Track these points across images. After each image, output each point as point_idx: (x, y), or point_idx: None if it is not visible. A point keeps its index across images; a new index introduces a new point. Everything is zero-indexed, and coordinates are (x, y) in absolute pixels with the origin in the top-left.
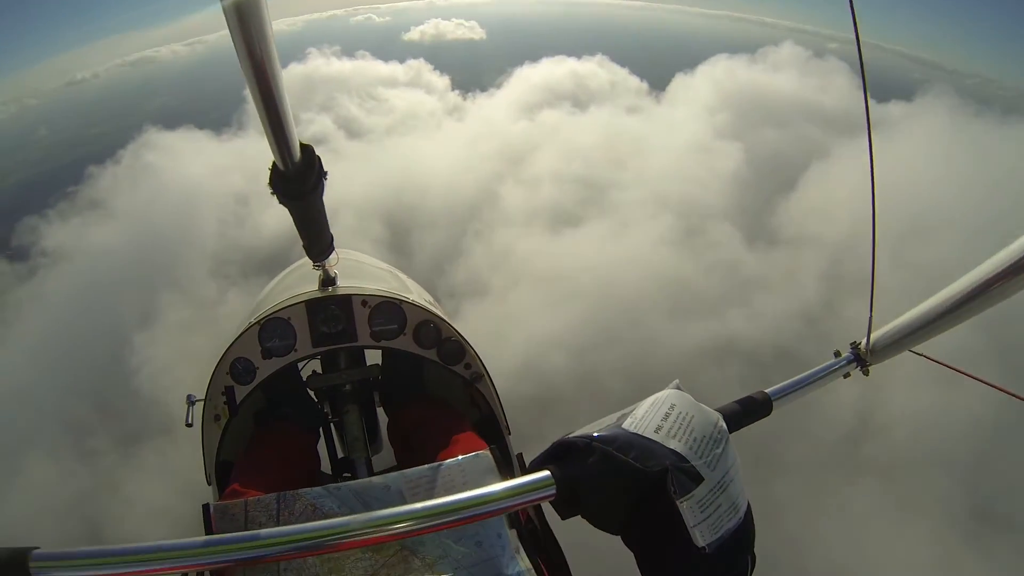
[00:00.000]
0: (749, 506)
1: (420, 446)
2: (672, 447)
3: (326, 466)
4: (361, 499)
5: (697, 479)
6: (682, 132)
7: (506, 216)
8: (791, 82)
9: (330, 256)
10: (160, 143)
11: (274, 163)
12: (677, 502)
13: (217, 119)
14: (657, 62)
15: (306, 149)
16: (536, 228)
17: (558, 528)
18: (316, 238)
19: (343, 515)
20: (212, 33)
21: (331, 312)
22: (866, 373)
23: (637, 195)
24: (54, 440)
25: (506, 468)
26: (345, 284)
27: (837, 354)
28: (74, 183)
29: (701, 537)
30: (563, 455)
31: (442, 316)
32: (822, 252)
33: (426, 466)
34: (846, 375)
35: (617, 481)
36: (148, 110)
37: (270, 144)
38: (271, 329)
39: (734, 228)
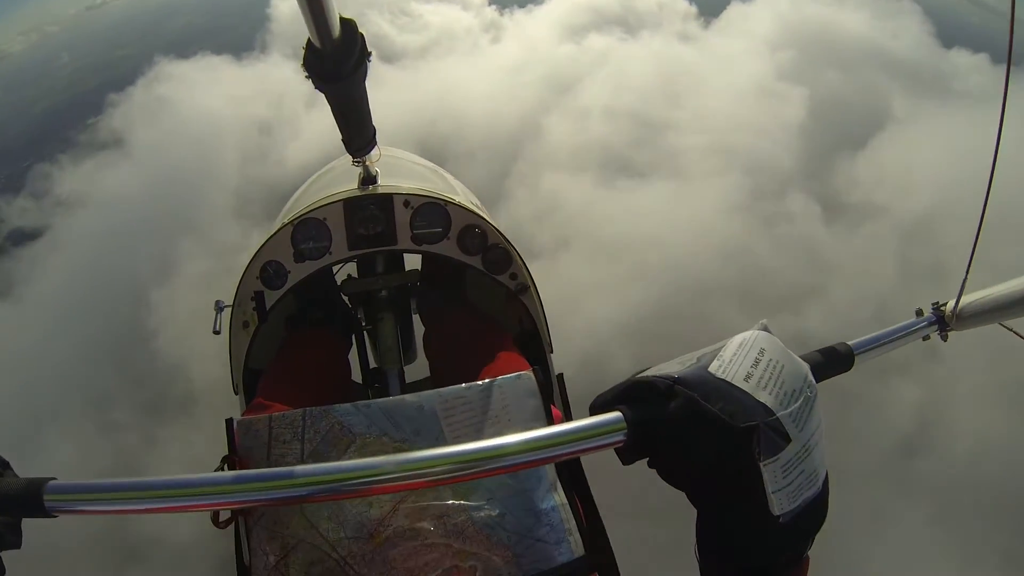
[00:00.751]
0: (827, 476)
1: (457, 360)
2: (762, 399)
3: (356, 375)
4: (391, 418)
5: (785, 439)
6: (742, 69)
7: (553, 156)
8: (862, 23)
9: (371, 152)
10: (174, 73)
11: (309, 41)
12: (761, 464)
13: (239, 41)
14: None
15: (347, 24)
16: (587, 175)
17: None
18: (357, 130)
19: (372, 435)
20: None
21: (370, 212)
22: (944, 338)
23: (697, 142)
24: (72, 412)
25: (547, 391)
26: (386, 183)
27: (919, 313)
28: (95, 113)
29: (778, 505)
30: (637, 395)
31: (489, 220)
32: (895, 228)
33: (463, 385)
34: (925, 337)
35: (699, 433)
36: (172, 29)
37: (305, 18)
38: (305, 230)
39: (808, 197)
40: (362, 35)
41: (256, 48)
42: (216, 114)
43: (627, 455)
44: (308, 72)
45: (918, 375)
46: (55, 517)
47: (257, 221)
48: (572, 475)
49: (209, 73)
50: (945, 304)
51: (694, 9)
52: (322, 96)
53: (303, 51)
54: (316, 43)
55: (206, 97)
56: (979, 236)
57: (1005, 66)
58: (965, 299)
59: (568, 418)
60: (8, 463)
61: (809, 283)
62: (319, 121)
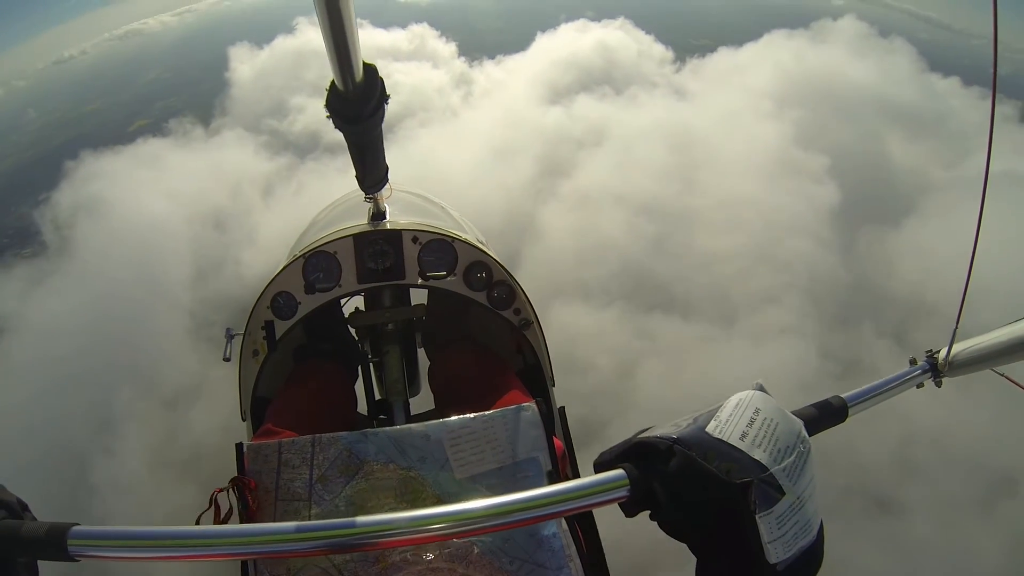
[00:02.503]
0: (822, 525)
1: (462, 392)
2: (756, 457)
3: (362, 406)
4: (398, 446)
5: (779, 493)
6: (754, 134)
7: (559, 272)
8: (863, 72)
9: (383, 189)
10: (110, 169)
11: (332, 83)
12: (756, 516)
13: (201, 99)
14: (679, 25)
15: (369, 69)
16: (612, 310)
17: None
18: (371, 168)
19: (379, 462)
20: (202, 1)
21: (380, 248)
22: (939, 385)
23: (737, 266)
24: None
25: (549, 422)
26: (396, 219)
27: (913, 362)
28: (48, 188)
29: (774, 554)
30: (639, 454)
31: (495, 258)
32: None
33: (469, 416)
34: (919, 385)
35: (698, 489)
36: (141, 84)
37: (331, 61)
38: (316, 263)
39: (875, 330)
40: (382, 79)
41: (215, 114)
42: (164, 212)
43: (630, 509)
44: (330, 113)
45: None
46: (77, 561)
47: (218, 344)
48: None
49: (156, 162)
50: (938, 352)
51: (670, 54)
52: (280, 182)
53: (326, 92)
54: (339, 86)
55: (153, 192)
56: (968, 285)
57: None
58: (957, 347)
59: (569, 450)
60: (27, 505)
61: None
62: (277, 214)
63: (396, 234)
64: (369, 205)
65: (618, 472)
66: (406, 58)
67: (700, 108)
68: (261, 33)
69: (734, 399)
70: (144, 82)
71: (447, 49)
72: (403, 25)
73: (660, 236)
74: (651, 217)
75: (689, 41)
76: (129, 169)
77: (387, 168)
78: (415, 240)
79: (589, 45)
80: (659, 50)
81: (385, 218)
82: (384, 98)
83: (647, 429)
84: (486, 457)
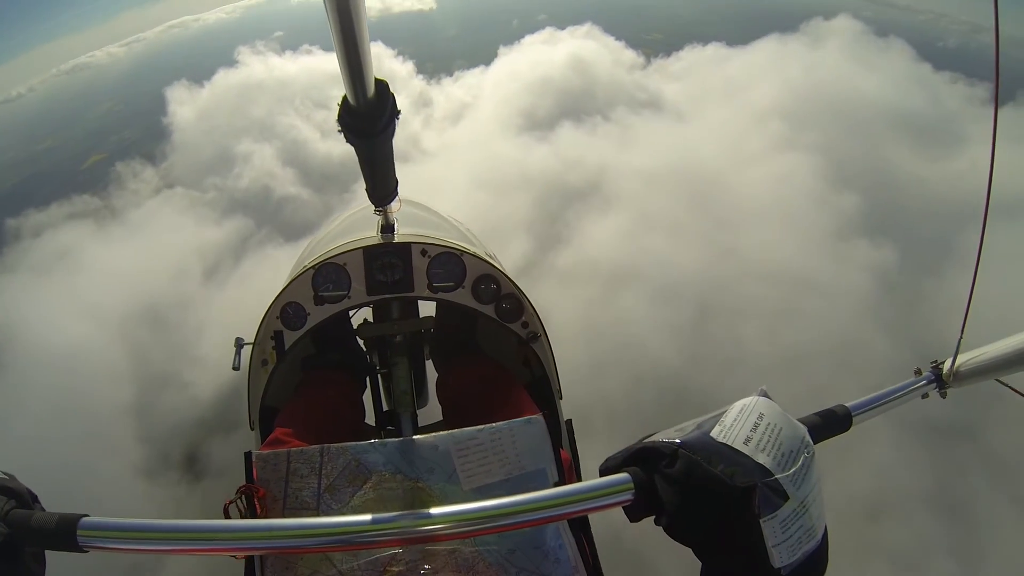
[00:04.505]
0: (826, 530)
1: (469, 404)
2: (760, 461)
3: (370, 417)
4: (407, 457)
5: (783, 497)
6: (776, 170)
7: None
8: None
9: (392, 202)
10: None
11: (344, 98)
12: (760, 520)
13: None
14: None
15: (380, 84)
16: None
17: None
18: (381, 181)
19: (387, 472)
20: (149, 30)
21: (389, 260)
22: (943, 396)
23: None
24: None
25: (556, 435)
26: (405, 232)
27: (918, 372)
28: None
29: (779, 558)
30: (644, 459)
31: (503, 271)
32: None
33: (476, 428)
34: (924, 395)
35: (702, 493)
36: (94, 118)
37: (343, 76)
38: (325, 274)
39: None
40: (393, 95)
41: (156, 165)
42: (88, 329)
43: (635, 513)
44: (342, 128)
45: None
46: (86, 552)
47: (173, 480)
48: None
49: (71, 256)
50: (943, 363)
51: (641, 59)
52: (228, 256)
53: (338, 107)
54: (351, 100)
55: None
56: (972, 296)
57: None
58: (961, 357)
59: (575, 462)
60: (37, 496)
61: None
62: (225, 301)
63: (405, 247)
64: (378, 218)
65: (623, 476)
66: None
67: (697, 129)
68: (203, 67)
69: (738, 405)
70: (96, 116)
71: (404, 68)
72: None
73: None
74: (675, 301)
75: (642, 36)
76: (34, 280)
77: (397, 182)
78: (424, 253)
79: (561, 60)
80: (629, 56)
81: (394, 231)
82: (395, 113)
83: (652, 434)
84: (493, 469)
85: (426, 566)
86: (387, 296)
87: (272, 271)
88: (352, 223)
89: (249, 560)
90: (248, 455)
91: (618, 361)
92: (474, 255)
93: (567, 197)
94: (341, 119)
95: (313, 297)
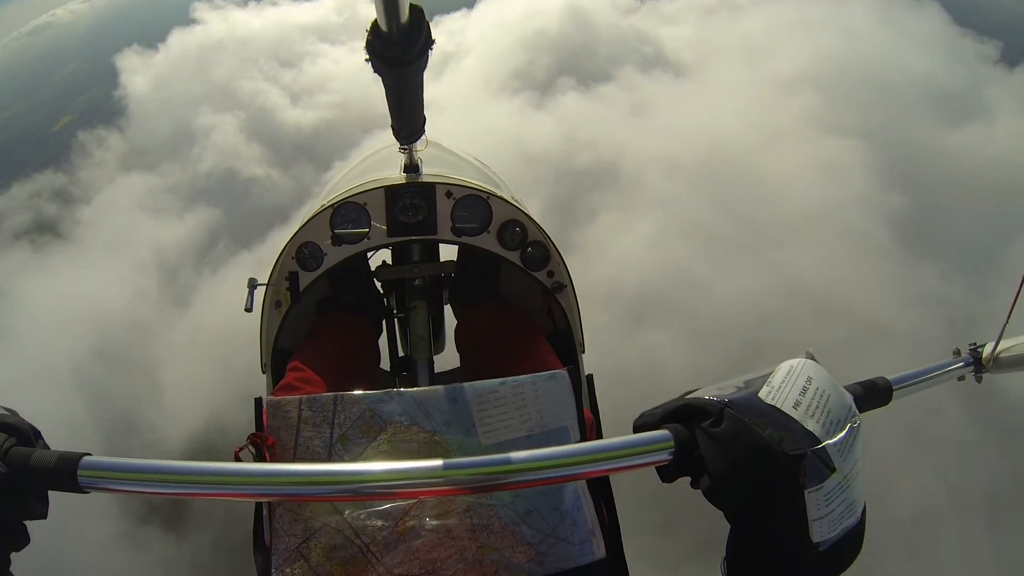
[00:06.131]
0: (865, 508)
1: (489, 354)
2: (809, 428)
3: (385, 362)
4: (423, 408)
5: (829, 469)
6: (790, 137)
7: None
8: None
9: (419, 140)
10: None
11: (375, 23)
12: (805, 491)
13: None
14: None
15: (415, 9)
16: None
17: None
18: (409, 117)
19: (403, 424)
20: None
21: (412, 201)
22: (979, 380)
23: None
24: None
25: (578, 390)
26: (430, 172)
27: (956, 353)
28: None
29: (819, 532)
30: (683, 417)
31: (531, 216)
32: None
33: (497, 380)
34: (961, 378)
35: (747, 457)
36: (60, 79)
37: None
38: (345, 214)
39: None
40: (428, 23)
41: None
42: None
43: (671, 473)
44: (370, 55)
45: None
46: (86, 493)
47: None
48: (599, 482)
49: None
50: (983, 346)
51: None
52: (190, 263)
53: (366, 33)
54: (383, 26)
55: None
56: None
57: None
58: (1004, 343)
59: (597, 420)
60: (40, 433)
61: None
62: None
63: (430, 187)
64: (402, 157)
65: (663, 432)
66: (336, 34)
67: (719, 94)
68: (155, 28)
69: (786, 365)
70: (63, 77)
71: (370, 9)
72: None
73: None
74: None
75: None
76: None
77: (424, 119)
78: (449, 195)
79: (554, 7)
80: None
81: (419, 171)
82: (430, 42)
83: (694, 391)
84: (514, 424)
85: (438, 522)
86: (409, 238)
87: (243, 275)
88: (374, 162)
89: (257, 509)
90: (258, 401)
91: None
92: (501, 198)
93: (575, 187)
94: (370, 46)
95: (331, 237)
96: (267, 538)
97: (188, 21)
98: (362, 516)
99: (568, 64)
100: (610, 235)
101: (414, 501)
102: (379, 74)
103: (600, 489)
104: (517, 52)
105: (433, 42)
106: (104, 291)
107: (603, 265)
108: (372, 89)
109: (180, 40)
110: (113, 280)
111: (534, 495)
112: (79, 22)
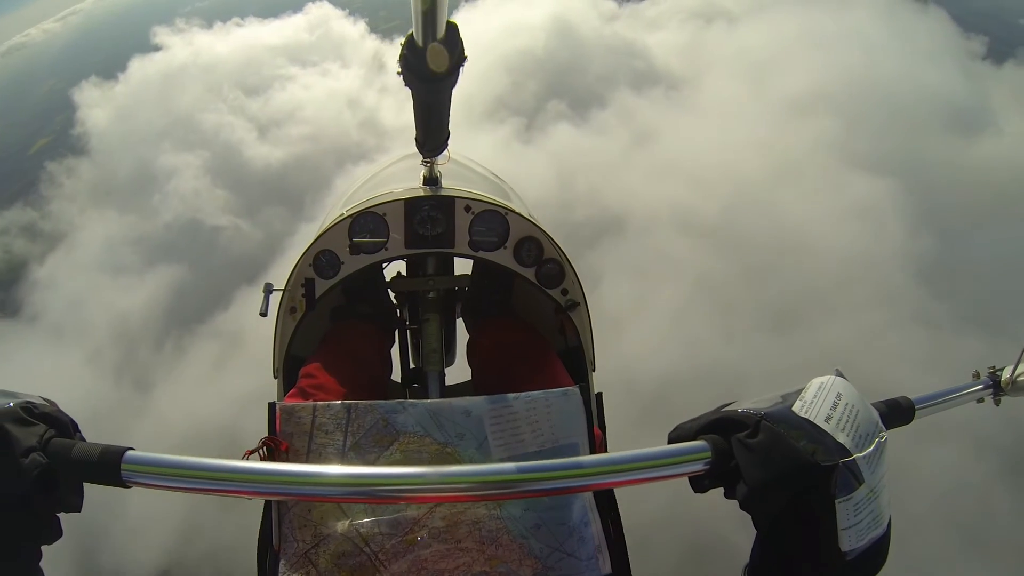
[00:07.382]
0: (890, 521)
1: (501, 368)
2: (840, 441)
3: (395, 374)
4: (436, 420)
5: (859, 480)
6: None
7: None
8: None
9: (441, 154)
10: None
11: (410, 36)
12: (836, 501)
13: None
14: None
15: (451, 26)
16: None
17: None
18: (435, 131)
19: (415, 434)
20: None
21: (431, 214)
22: (997, 403)
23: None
24: None
25: (589, 408)
26: (449, 185)
27: (976, 375)
28: None
29: (847, 541)
30: (719, 429)
31: (548, 234)
32: None
33: (510, 395)
34: (979, 400)
35: (784, 467)
36: (36, 99)
37: (414, 13)
38: (363, 223)
39: None
40: (462, 40)
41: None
42: None
43: (705, 483)
44: (404, 69)
45: None
46: (128, 487)
47: None
48: (603, 492)
49: None
50: (1002, 370)
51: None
52: (149, 363)
53: (401, 47)
54: (418, 41)
55: None
56: None
57: None
58: (1022, 367)
59: (604, 438)
60: (78, 425)
61: None
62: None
63: (449, 201)
64: (422, 169)
65: (701, 443)
66: (308, 54)
67: (719, 114)
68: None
69: (816, 382)
70: (38, 97)
71: (356, 30)
72: (299, 8)
73: None
74: None
75: None
76: None
77: (449, 134)
78: (468, 209)
79: (539, 22)
80: (608, 7)
81: (439, 184)
82: (463, 59)
83: (729, 404)
84: (526, 439)
85: (447, 533)
86: (426, 251)
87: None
88: (393, 172)
89: (266, 511)
90: (272, 406)
91: None
92: (519, 215)
93: (573, 239)
94: (404, 60)
95: (349, 246)
96: (275, 541)
97: (149, 48)
98: (371, 524)
99: (557, 85)
100: (618, 307)
101: (426, 511)
102: (410, 87)
103: (607, 505)
104: (500, 74)
105: (466, 58)
106: (56, 378)
107: (615, 355)
108: (343, 117)
109: (141, 68)
110: (67, 363)
111: (543, 509)
112: (54, 41)
